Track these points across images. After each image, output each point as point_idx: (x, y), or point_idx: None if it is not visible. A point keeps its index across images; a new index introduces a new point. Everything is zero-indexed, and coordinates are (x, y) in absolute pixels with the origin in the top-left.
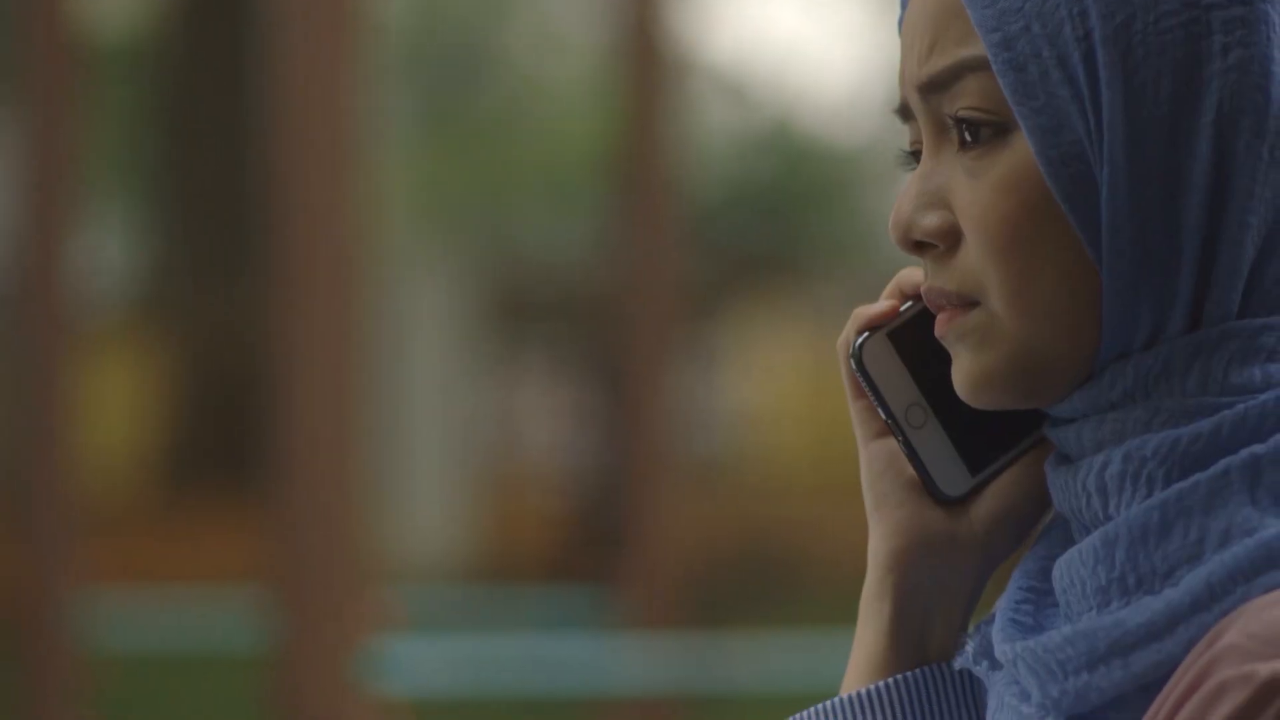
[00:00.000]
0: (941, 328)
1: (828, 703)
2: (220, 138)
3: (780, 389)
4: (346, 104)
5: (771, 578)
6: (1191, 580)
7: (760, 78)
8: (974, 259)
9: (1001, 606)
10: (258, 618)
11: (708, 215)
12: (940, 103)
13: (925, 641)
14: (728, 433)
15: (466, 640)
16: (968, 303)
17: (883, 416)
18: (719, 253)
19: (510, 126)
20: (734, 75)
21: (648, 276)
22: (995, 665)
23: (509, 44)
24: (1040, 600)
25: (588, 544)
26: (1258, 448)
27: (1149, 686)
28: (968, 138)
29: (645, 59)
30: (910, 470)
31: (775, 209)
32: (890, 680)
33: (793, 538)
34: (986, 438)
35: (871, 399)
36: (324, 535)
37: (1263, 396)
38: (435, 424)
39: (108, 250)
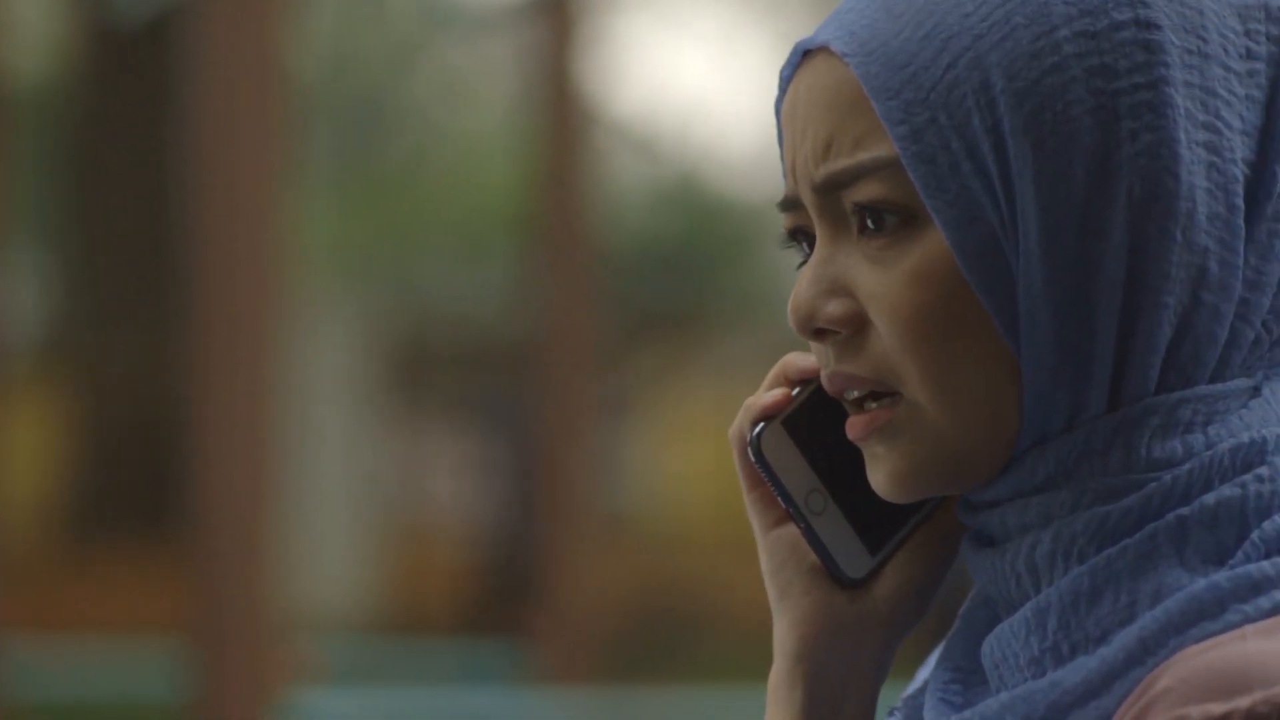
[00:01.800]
0: (861, 430)
1: None
2: (129, 185)
3: (687, 444)
4: (259, 153)
5: (678, 633)
6: (1124, 637)
7: (667, 132)
8: (886, 347)
9: (930, 687)
10: (171, 667)
11: (617, 269)
12: (840, 196)
13: None
14: (636, 488)
15: (379, 693)
16: (882, 391)
17: (784, 505)
18: (627, 307)
19: (417, 177)
20: (641, 129)
21: (559, 328)
22: None
23: (416, 94)
24: (969, 680)
25: (497, 597)
26: (1183, 510)
27: None
28: (870, 225)
29: (556, 111)
30: (812, 557)
31: (682, 264)
32: None
33: (699, 593)
34: (881, 516)
35: (771, 488)
36: (236, 585)
37: (1186, 465)
38: (342, 475)
39: (14, 297)
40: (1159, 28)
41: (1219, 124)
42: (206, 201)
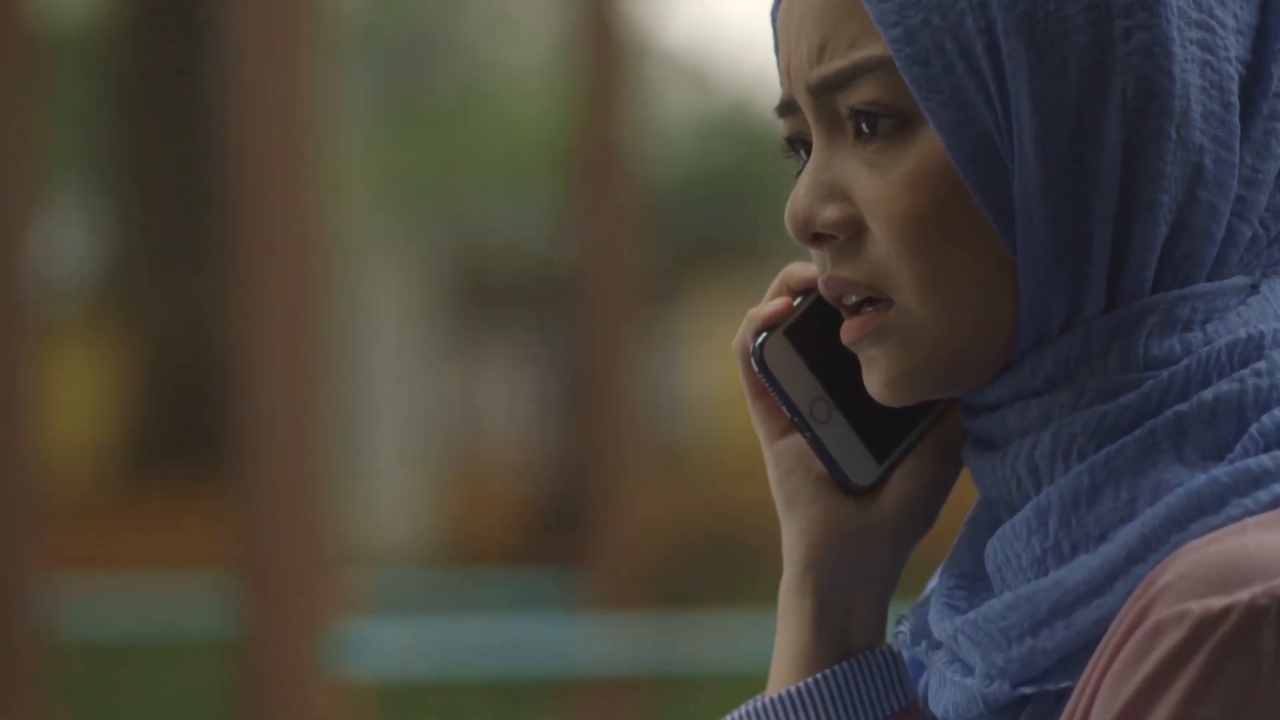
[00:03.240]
0: (854, 334)
1: (756, 701)
2: (178, 126)
3: (736, 373)
4: (303, 91)
5: (732, 559)
6: (1126, 534)
7: (718, 61)
8: (882, 252)
9: (935, 593)
10: (222, 604)
11: (666, 199)
12: (834, 99)
13: (849, 633)
14: (688, 416)
15: (431, 623)
16: (877, 297)
17: (788, 415)
18: (678, 237)
19: (467, 111)
20: (692, 59)
21: (606, 261)
22: (934, 645)
23: (465, 29)
24: (973, 586)
25: (551, 527)
26: (1181, 406)
27: (1092, 643)
28: (865, 130)
29: (602, 43)
30: (818, 466)
31: (734, 193)
32: (818, 676)
33: (752, 519)
34: (888, 424)
35: (776, 398)
36: (287, 520)
37: (1184, 362)
38: (397, 409)
39: (68, 241)
40: None
41: (1213, 22)
42: (251, 140)
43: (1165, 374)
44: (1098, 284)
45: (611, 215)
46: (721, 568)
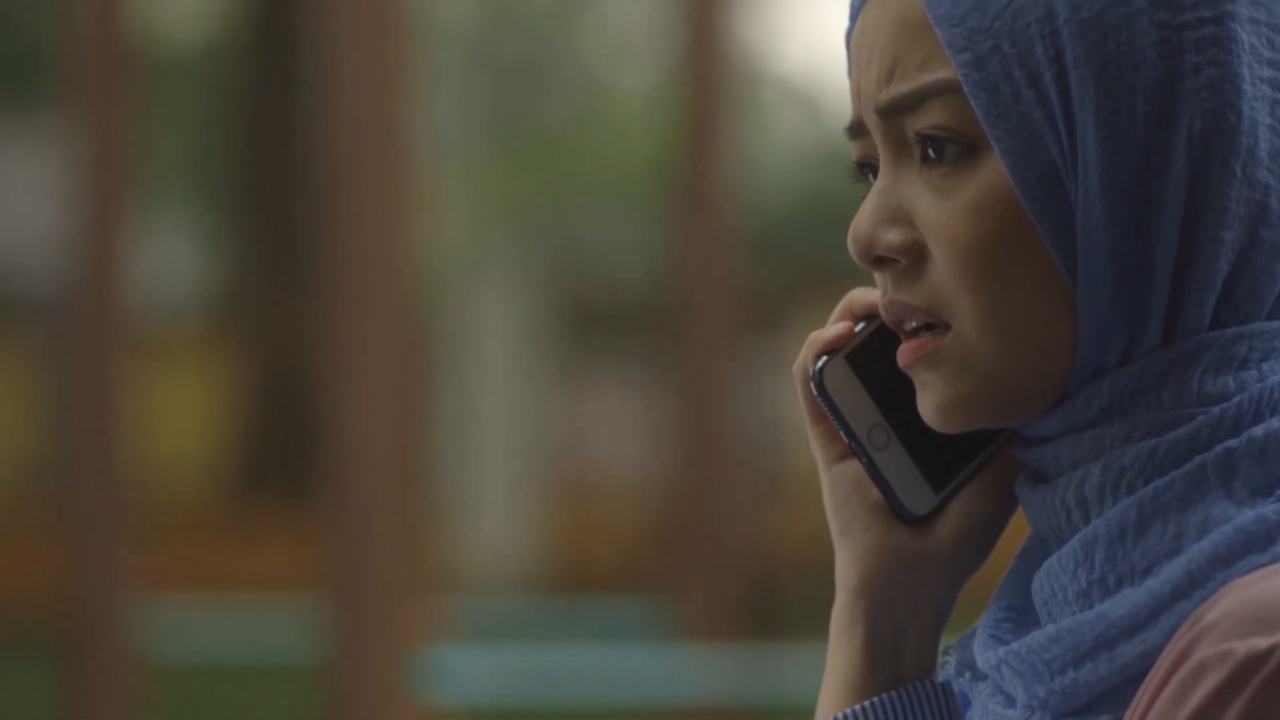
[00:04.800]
0: (909, 357)
1: None
2: (288, 145)
3: None
4: (408, 113)
5: (827, 589)
6: (1171, 569)
7: (830, 87)
8: (942, 277)
9: (982, 625)
10: (315, 626)
11: (776, 225)
12: (902, 122)
13: (899, 661)
14: (790, 443)
15: (522, 650)
16: (935, 322)
17: (846, 440)
18: (787, 263)
19: (579, 135)
20: (804, 86)
21: (713, 286)
22: (978, 677)
23: (577, 51)
24: (1021, 619)
25: (652, 554)
26: (1231, 442)
27: (1135, 678)
28: (932, 155)
29: (714, 68)
30: (874, 493)
31: (843, 219)
32: (867, 702)
33: None
34: (946, 453)
35: (834, 423)
36: (380, 544)
37: (1236, 398)
38: (503, 433)
39: (175, 258)
40: None
41: None
42: (356, 161)
43: (1217, 410)
44: (1156, 318)
45: (719, 240)
46: (820, 597)
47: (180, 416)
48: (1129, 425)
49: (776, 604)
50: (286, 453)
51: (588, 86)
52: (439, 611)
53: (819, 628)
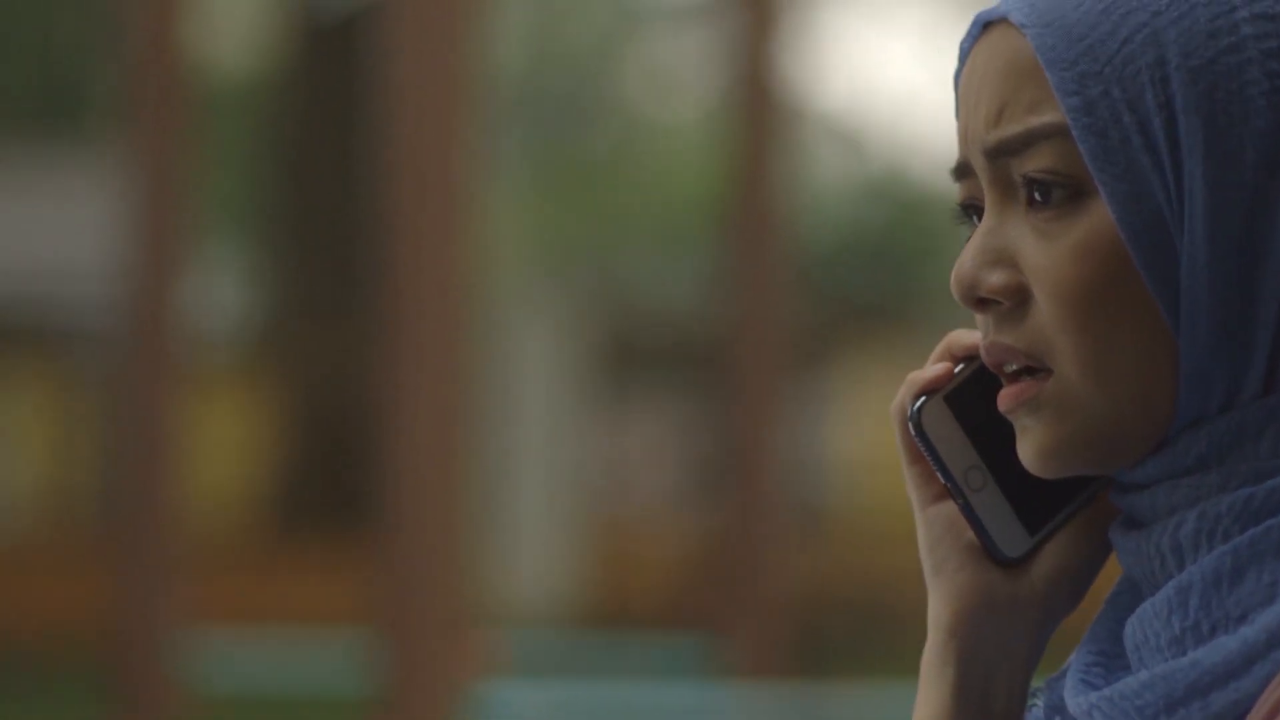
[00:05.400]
0: (1010, 401)
1: None
2: (333, 178)
3: (888, 437)
4: (458, 146)
5: (876, 627)
6: (1267, 618)
7: (874, 126)
8: (1045, 320)
9: (1072, 668)
10: (363, 659)
11: (819, 262)
12: (1009, 164)
13: (989, 703)
14: (835, 480)
15: (571, 686)
16: (1036, 366)
17: (943, 481)
18: (829, 300)
19: (622, 170)
20: (848, 123)
21: (756, 322)
22: None
23: (619, 87)
24: (1111, 664)
25: (696, 591)
26: None
27: None
28: (1038, 198)
29: (758, 104)
30: (968, 534)
31: (886, 257)
32: None
33: (897, 587)
34: (1042, 497)
35: (931, 463)
36: (430, 579)
37: None
38: (544, 468)
39: (222, 290)
40: None
41: None
42: (403, 196)
43: None
44: (1258, 368)
45: (762, 276)
46: (864, 635)
47: (226, 449)
48: (1226, 473)
49: (821, 642)
50: (330, 486)
51: (630, 122)
52: (489, 645)
53: (862, 666)
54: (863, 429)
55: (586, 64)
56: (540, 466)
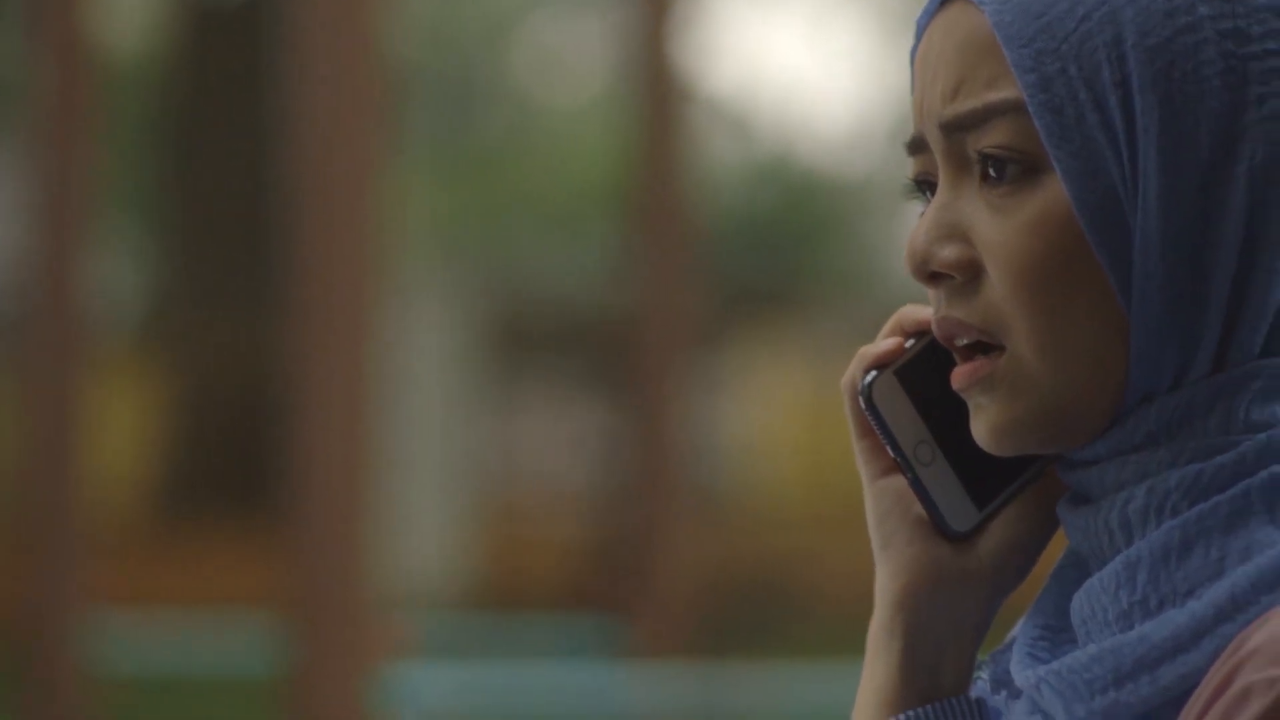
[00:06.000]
0: (964, 380)
1: None
2: (227, 163)
3: (780, 421)
4: (358, 130)
5: (773, 608)
6: (1214, 593)
7: (762, 110)
8: (998, 296)
9: (1018, 642)
10: (267, 642)
11: (712, 247)
12: (964, 139)
13: (936, 677)
14: (731, 464)
15: (478, 667)
16: (988, 341)
17: (892, 455)
18: (723, 284)
19: (514, 154)
20: (736, 107)
21: (653, 306)
22: (1014, 694)
23: (512, 71)
24: (1056, 638)
25: (595, 573)
26: (1276, 468)
27: (1175, 700)
28: (993, 174)
29: (653, 88)
30: (917, 507)
31: (776, 241)
32: (902, 716)
33: (793, 569)
34: (990, 472)
35: (881, 437)
36: (335, 561)
37: None
38: (441, 452)
39: (116, 273)
40: None
41: None
42: (303, 180)
43: (1264, 437)
44: (1208, 345)
45: (660, 261)
46: (763, 616)
47: (123, 432)
48: (1175, 450)
49: (721, 624)
50: (228, 468)
51: (523, 106)
52: (394, 628)
53: (762, 646)
54: (755, 412)
55: (480, 47)
56: (437, 450)
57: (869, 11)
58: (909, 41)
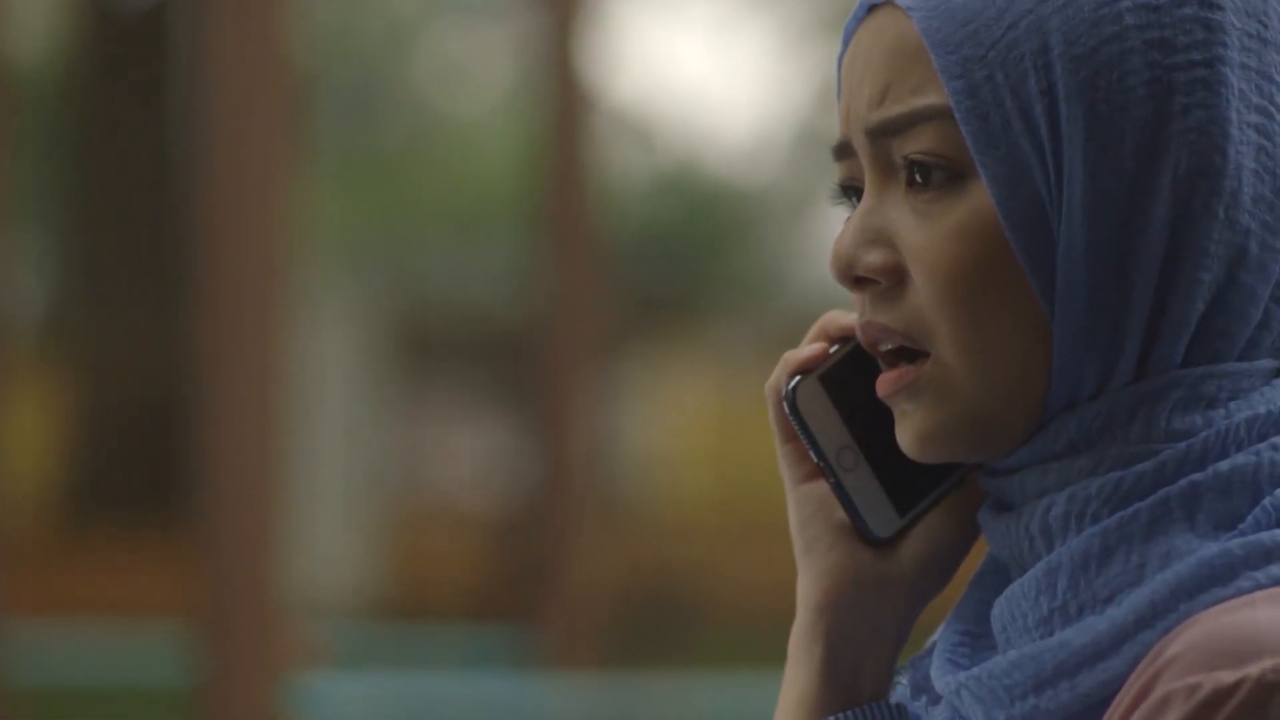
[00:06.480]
0: (889, 388)
1: None
2: (131, 169)
3: (685, 429)
4: (261, 137)
5: (679, 618)
6: (1135, 599)
7: (666, 118)
8: (922, 302)
9: (938, 648)
10: (176, 650)
11: (617, 256)
12: (890, 145)
13: (857, 682)
14: (636, 473)
15: (386, 677)
16: (912, 347)
17: (815, 460)
18: (626, 293)
19: (417, 162)
20: (640, 115)
21: (559, 314)
22: (934, 699)
23: (414, 79)
24: (976, 644)
25: (501, 582)
26: (1196, 476)
27: (1095, 706)
28: (918, 179)
29: (555, 96)
30: (839, 513)
31: (681, 250)
32: None
33: (699, 579)
34: (913, 478)
35: (804, 442)
36: (242, 569)
37: (1202, 434)
38: (344, 459)
39: (16, 280)
40: (1221, 8)
41: (1272, 108)
42: (209, 185)
43: (1183, 445)
44: (1130, 354)
45: (566, 267)
46: (669, 626)
47: (29, 439)
48: (1096, 457)
49: (627, 633)
50: (130, 476)
51: (425, 114)
52: (304, 636)
53: (667, 657)
54: (659, 422)
55: (382, 54)
56: (344, 458)
57: (771, 21)
58: (811, 50)
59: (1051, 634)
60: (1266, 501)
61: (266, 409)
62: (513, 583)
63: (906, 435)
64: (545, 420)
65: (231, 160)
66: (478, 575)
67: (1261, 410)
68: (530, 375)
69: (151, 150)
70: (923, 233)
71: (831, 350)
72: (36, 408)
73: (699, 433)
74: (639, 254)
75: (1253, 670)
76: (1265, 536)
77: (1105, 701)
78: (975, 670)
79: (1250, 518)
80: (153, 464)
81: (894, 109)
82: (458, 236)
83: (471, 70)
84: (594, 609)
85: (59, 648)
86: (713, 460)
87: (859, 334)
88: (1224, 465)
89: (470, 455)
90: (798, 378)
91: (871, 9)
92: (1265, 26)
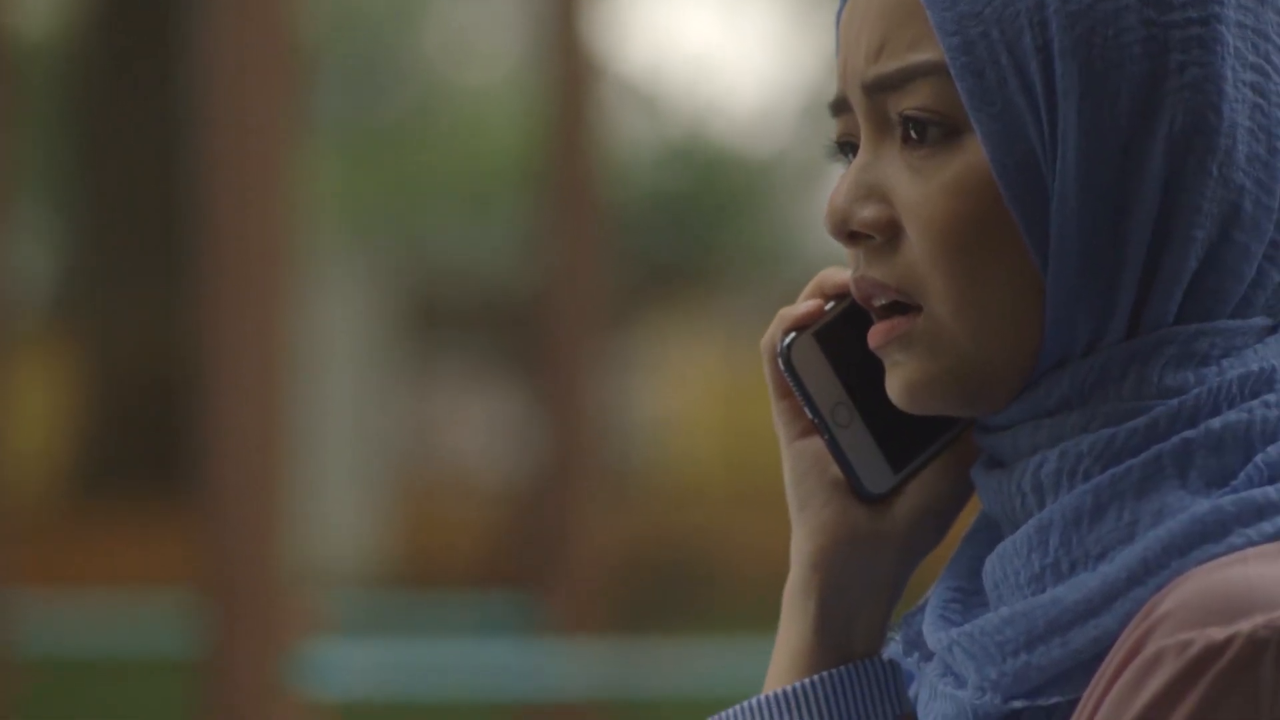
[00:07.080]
0: (881, 338)
1: (751, 701)
2: (137, 143)
3: (693, 398)
4: (271, 108)
5: (687, 585)
6: (1126, 556)
7: (673, 87)
8: (916, 257)
9: (930, 605)
10: (182, 621)
11: (624, 225)
12: (886, 100)
13: (850, 639)
14: (642, 441)
15: (394, 645)
16: (906, 302)
17: (810, 416)
18: (635, 262)
19: (424, 133)
20: (647, 85)
21: (565, 284)
22: (926, 656)
23: (422, 50)
24: (968, 600)
25: (508, 550)
26: (1189, 433)
27: (1088, 663)
28: (914, 135)
29: (563, 65)
30: (834, 469)
31: (688, 219)
32: (815, 677)
33: (707, 546)
34: (907, 435)
35: (799, 398)
36: (251, 540)
37: (1194, 391)
38: (352, 430)
39: (28, 255)
40: None
41: (1268, 67)
42: (216, 159)
43: (1175, 402)
44: (1123, 311)
45: (573, 238)
46: (677, 593)
47: (38, 413)
48: (1088, 414)
49: (636, 600)
50: (142, 448)
51: (433, 84)
52: (309, 606)
53: (672, 623)
54: (667, 389)
55: (390, 26)
56: (352, 428)
57: None
58: (819, 18)
59: (1043, 591)
60: (1259, 458)
61: (273, 381)
62: (521, 550)
63: (896, 385)
64: (553, 389)
65: (238, 133)
66: (486, 543)
67: (1254, 367)
68: (538, 345)
69: (157, 124)
70: (917, 188)
71: (827, 307)
72: (44, 381)
73: (707, 401)
74: (647, 223)
75: (1244, 626)
76: (1257, 493)
77: (1097, 658)
78: (967, 627)
79: (1242, 475)
80: (159, 436)
81: (890, 64)
82: (465, 207)
83: (478, 40)
84: (602, 576)
85: (67, 619)
86: (720, 428)
87: (853, 288)
88: (1216, 422)
89: (478, 425)
90: (793, 334)
91: None
92: None
